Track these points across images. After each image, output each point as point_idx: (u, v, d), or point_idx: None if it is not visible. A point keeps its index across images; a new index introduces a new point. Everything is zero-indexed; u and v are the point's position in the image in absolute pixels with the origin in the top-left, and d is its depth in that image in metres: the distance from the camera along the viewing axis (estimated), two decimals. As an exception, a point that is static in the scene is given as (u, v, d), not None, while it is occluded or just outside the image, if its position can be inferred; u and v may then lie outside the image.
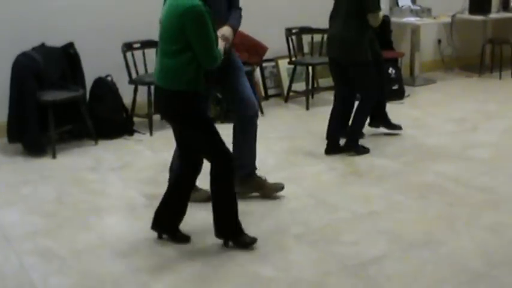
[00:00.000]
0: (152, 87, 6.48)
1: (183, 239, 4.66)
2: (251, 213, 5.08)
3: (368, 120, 6.76)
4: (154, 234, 4.69)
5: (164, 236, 4.69)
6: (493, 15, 10.19)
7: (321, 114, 7.85)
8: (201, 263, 4.38)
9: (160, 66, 4.45)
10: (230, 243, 4.56)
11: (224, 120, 7.47)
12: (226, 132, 7.07)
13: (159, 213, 4.64)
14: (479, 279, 4.17)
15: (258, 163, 5.92)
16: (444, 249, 4.54)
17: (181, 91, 4.36)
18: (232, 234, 4.57)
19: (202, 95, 4.50)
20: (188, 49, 4.28)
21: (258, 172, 5.42)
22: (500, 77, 9.98)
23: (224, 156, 4.46)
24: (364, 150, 6.45)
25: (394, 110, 7.87)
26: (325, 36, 8.34)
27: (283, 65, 8.69)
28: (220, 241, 4.57)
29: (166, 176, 5.25)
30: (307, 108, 8.10)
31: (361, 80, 6.36)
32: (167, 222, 4.67)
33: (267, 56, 8.33)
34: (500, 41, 10.35)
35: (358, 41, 6.18)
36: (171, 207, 4.65)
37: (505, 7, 10.55)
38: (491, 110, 8.11)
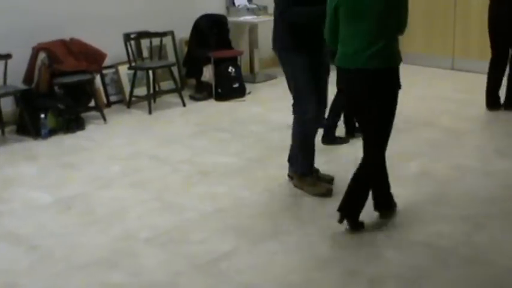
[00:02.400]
0: None
1: (360, 225, 4.78)
2: (98, 221, 5.05)
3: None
4: None
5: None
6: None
7: (164, 117, 7.90)
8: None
9: (376, 47, 4.39)
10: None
11: (67, 131, 7.37)
12: (71, 141, 7.05)
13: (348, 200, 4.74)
14: (327, 264, 4.32)
15: (102, 171, 5.92)
16: (291, 239, 4.67)
17: (393, 67, 4.51)
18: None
19: None
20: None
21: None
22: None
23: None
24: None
25: (236, 108, 8.00)
26: (163, 39, 8.40)
27: (124, 71, 8.61)
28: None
29: (9, 192, 5.12)
30: (150, 113, 8.07)
31: None
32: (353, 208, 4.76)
33: (106, 62, 8.24)
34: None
35: None
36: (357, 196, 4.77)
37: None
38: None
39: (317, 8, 4.89)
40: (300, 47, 5.21)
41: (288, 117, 6.46)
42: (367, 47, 4.40)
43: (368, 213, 4.86)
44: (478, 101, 8.00)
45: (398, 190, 5.26)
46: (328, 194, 5.36)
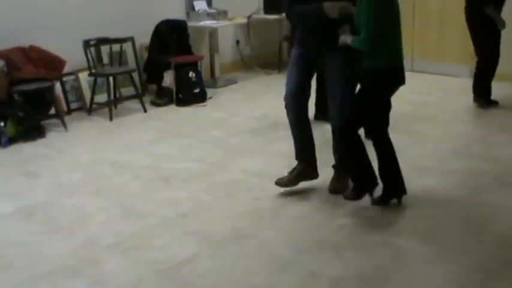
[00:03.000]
0: None
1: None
2: (60, 229, 5.04)
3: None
4: None
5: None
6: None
7: (125, 124, 7.89)
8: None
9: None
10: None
11: (27, 139, 7.33)
12: (31, 150, 7.02)
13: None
14: (289, 266, 4.34)
15: (64, 179, 5.90)
16: (253, 243, 4.69)
17: None
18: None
19: None
20: None
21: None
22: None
23: None
24: None
25: (197, 113, 8.02)
26: (124, 45, 8.40)
27: (84, 78, 8.59)
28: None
29: None
30: (111, 119, 8.06)
31: None
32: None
33: (66, 69, 8.21)
34: (295, 38, 10.73)
35: None
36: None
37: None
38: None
39: (313, 7, 5.08)
40: (296, 41, 5.46)
41: (249, 121, 6.53)
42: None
43: (332, 213, 4.91)
44: (436, 103, 8.11)
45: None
46: (282, 183, 5.48)
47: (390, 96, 5.14)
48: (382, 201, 5.21)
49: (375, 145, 5.18)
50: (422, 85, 9.30)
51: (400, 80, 5.05)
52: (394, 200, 5.22)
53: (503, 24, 7.62)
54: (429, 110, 8.02)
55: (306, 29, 5.33)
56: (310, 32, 5.28)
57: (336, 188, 5.50)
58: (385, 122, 5.18)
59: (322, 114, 7.10)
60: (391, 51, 4.93)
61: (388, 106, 5.17)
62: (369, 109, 5.01)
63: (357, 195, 5.27)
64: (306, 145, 5.52)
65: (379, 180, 5.24)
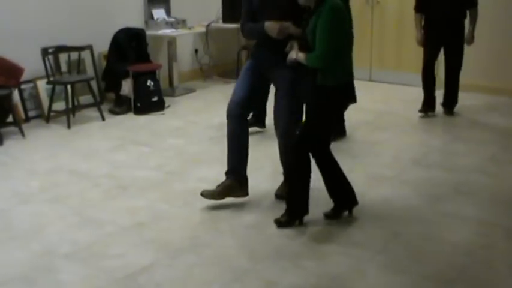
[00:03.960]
0: None
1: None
2: (17, 237, 5.01)
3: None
4: None
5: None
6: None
7: (83, 132, 7.86)
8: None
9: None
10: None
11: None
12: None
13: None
14: (245, 275, 4.37)
15: (21, 187, 5.87)
16: (210, 251, 4.71)
17: None
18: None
19: None
20: None
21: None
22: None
23: None
24: None
25: (155, 122, 8.01)
26: (82, 54, 8.36)
27: (42, 85, 8.54)
28: None
29: None
30: (69, 127, 8.01)
31: None
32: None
33: (24, 77, 8.15)
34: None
35: None
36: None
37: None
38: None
39: (260, 25, 5.13)
40: (251, 53, 5.58)
41: (207, 130, 6.54)
42: None
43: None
44: (394, 112, 8.19)
45: (316, 200, 5.36)
46: (207, 195, 5.44)
47: (341, 113, 5.31)
48: (334, 215, 5.21)
49: (319, 164, 5.12)
50: (380, 94, 9.41)
51: (351, 97, 5.17)
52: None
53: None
54: (387, 119, 8.11)
55: (258, 43, 5.41)
56: (261, 47, 5.35)
57: (282, 194, 5.51)
58: (329, 139, 5.19)
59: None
60: (344, 68, 4.95)
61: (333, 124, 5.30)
62: (319, 127, 4.99)
63: (287, 221, 5.09)
64: (239, 159, 5.47)
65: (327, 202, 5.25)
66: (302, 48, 4.87)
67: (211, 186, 5.64)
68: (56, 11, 8.67)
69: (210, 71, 10.90)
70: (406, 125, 7.84)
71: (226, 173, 5.48)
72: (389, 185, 5.93)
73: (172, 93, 9.66)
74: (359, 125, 7.73)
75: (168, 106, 8.94)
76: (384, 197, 5.66)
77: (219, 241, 4.88)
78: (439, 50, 8.10)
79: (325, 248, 4.72)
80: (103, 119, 8.39)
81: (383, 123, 7.95)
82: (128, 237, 4.97)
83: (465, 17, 7.94)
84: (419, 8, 8.01)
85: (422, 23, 8.01)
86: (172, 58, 9.94)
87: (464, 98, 8.49)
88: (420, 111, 8.19)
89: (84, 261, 4.61)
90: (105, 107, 8.90)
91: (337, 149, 6.78)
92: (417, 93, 8.39)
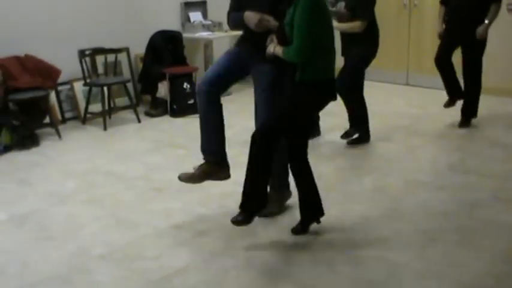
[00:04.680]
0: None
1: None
2: (52, 238, 5.03)
3: None
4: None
5: None
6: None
7: (119, 134, 7.89)
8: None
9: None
10: None
11: (22, 147, 7.34)
12: (25, 158, 7.01)
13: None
14: (280, 279, 4.33)
15: (57, 187, 5.88)
16: (245, 255, 4.69)
17: None
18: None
19: None
20: None
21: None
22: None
23: None
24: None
25: (191, 124, 8.01)
26: (119, 56, 8.39)
27: (79, 87, 8.60)
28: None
29: None
30: (105, 129, 8.06)
31: None
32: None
33: (61, 79, 8.22)
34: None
35: None
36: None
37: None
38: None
39: (241, 14, 4.96)
40: (236, 43, 5.34)
41: (243, 133, 6.51)
42: None
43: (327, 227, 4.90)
44: (431, 116, 8.11)
45: (353, 205, 5.33)
46: (184, 178, 5.27)
47: (319, 111, 5.14)
48: (302, 229, 5.00)
49: (294, 169, 4.92)
50: (417, 99, 9.32)
51: (332, 95, 4.79)
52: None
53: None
54: (424, 124, 8.02)
55: (243, 33, 5.21)
56: (245, 37, 5.16)
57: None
58: (306, 141, 4.94)
59: None
60: (324, 65, 4.68)
61: (311, 122, 5.08)
62: (292, 122, 4.76)
63: (245, 217, 4.75)
64: (212, 139, 5.29)
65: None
66: (281, 42, 4.67)
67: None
68: (93, 13, 8.72)
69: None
70: (443, 130, 7.75)
71: (202, 153, 5.31)
72: (425, 190, 5.86)
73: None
74: (396, 130, 7.67)
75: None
76: (420, 202, 5.59)
77: (254, 244, 4.86)
78: (455, 45, 7.66)
79: (361, 253, 4.67)
80: (139, 121, 8.42)
81: (420, 127, 7.87)
82: (162, 240, 4.96)
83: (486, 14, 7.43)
84: (444, 1, 7.77)
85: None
86: (208, 61, 9.94)
87: (502, 103, 8.39)
88: (445, 105, 7.95)
89: (118, 262, 4.61)
90: (141, 109, 8.93)
91: (373, 153, 6.79)
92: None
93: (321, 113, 7.66)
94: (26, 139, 7.47)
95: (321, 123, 7.55)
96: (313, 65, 4.59)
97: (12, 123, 7.46)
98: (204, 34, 9.80)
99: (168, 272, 4.44)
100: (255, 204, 4.76)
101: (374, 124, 7.48)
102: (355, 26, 6.74)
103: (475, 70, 7.62)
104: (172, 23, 9.68)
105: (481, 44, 7.48)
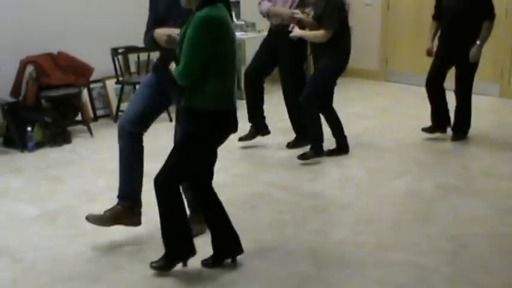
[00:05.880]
0: None
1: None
2: (83, 235, 5.06)
3: None
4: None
5: None
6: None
7: (151, 132, 7.84)
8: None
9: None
10: None
11: (54, 144, 7.40)
12: (57, 155, 7.05)
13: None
14: (309, 281, 4.32)
15: (88, 185, 5.90)
16: (275, 256, 4.68)
17: None
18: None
19: None
20: None
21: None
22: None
23: None
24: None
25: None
26: (151, 54, 8.41)
27: (111, 85, 8.64)
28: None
29: None
30: (137, 127, 8.08)
31: None
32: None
33: (94, 76, 8.26)
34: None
35: None
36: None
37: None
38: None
39: (152, 33, 4.71)
40: (153, 66, 5.07)
41: (276, 133, 6.49)
42: None
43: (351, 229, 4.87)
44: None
45: (384, 208, 5.30)
46: (89, 219, 4.87)
47: (216, 147, 4.50)
48: (213, 263, 4.52)
49: (200, 203, 4.56)
50: (452, 103, 9.23)
51: (230, 127, 4.34)
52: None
53: None
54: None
55: (161, 56, 4.91)
56: (164, 60, 4.72)
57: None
58: (210, 175, 4.60)
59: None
60: (218, 92, 4.15)
61: (214, 157, 4.59)
62: (186, 160, 4.37)
63: (165, 264, 4.46)
64: (128, 181, 5.03)
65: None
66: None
67: (278, 190, 5.60)
68: (126, 11, 8.74)
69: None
70: (476, 135, 7.67)
71: (118, 197, 4.98)
72: (457, 195, 5.81)
73: (240, 96, 9.63)
74: (427, 133, 7.60)
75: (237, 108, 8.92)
76: (451, 207, 5.54)
77: (284, 246, 4.84)
78: (449, 65, 7.23)
79: (391, 257, 4.64)
80: (171, 119, 8.43)
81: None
82: (193, 239, 4.95)
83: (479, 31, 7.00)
84: (436, 16, 7.32)
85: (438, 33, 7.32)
86: (241, 61, 9.93)
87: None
88: (424, 129, 7.46)
89: (149, 260, 4.61)
90: (172, 108, 8.91)
91: (406, 157, 6.74)
92: (491, 103, 8.24)
93: (350, 116, 7.68)
94: (57, 136, 7.52)
95: (353, 125, 7.52)
96: (202, 92, 4.13)
97: (45, 120, 7.51)
98: (237, 34, 9.78)
99: (198, 272, 4.46)
100: (183, 251, 4.46)
101: (408, 127, 7.41)
102: (319, 35, 6.52)
103: (467, 86, 7.26)
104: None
105: (475, 64, 7.10)
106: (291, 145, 7.24)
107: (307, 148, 6.77)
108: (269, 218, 5.36)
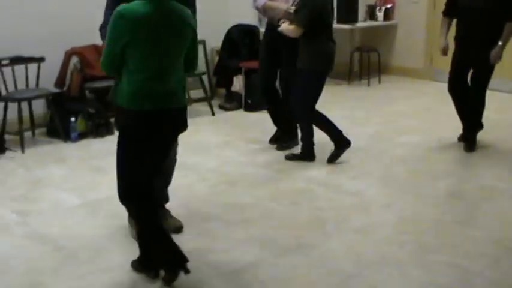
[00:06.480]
0: (22, 103, 6.53)
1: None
2: (124, 226, 5.05)
3: None
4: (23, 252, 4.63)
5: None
6: (360, 24, 10.58)
7: (193, 126, 7.80)
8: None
9: (175, 85, 3.96)
10: None
11: (96, 135, 7.44)
12: (100, 145, 7.09)
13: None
14: (350, 280, 4.28)
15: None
16: (315, 253, 4.64)
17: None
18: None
19: None
20: None
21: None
22: (368, 84, 10.37)
23: None
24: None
25: (265, 120, 7.97)
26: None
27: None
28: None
29: (38, 193, 5.16)
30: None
31: None
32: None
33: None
34: (367, 49, 10.69)
35: None
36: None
37: (371, 16, 10.93)
38: (360, 116, 8.33)
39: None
40: None
41: (318, 130, 6.46)
42: None
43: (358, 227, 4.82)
44: (510, 122, 7.94)
45: (427, 209, 5.24)
46: None
47: (144, 151, 4.08)
48: (169, 280, 4.21)
49: (137, 209, 4.22)
50: (496, 103, 9.10)
51: (158, 130, 3.99)
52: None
53: None
54: (503, 130, 7.84)
55: None
56: None
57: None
58: (150, 183, 4.20)
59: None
60: (136, 92, 3.85)
61: (162, 157, 4.25)
62: (122, 163, 4.20)
63: (141, 268, 4.32)
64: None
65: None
66: None
67: (319, 187, 5.56)
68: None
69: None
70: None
71: None
72: (503, 197, 5.72)
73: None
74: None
75: (279, 104, 8.93)
76: (497, 210, 5.46)
77: (325, 243, 4.81)
78: (470, 67, 6.90)
79: (433, 258, 4.58)
80: (213, 114, 8.45)
81: (498, 133, 7.68)
82: (233, 233, 4.95)
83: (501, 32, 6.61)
84: (447, 12, 7.00)
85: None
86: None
87: None
88: (459, 138, 7.25)
89: (188, 254, 4.54)
90: (215, 102, 8.96)
91: (450, 158, 6.66)
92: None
93: (394, 115, 7.62)
94: (100, 127, 7.57)
95: (396, 124, 7.46)
96: (121, 88, 3.91)
97: (88, 111, 7.56)
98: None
99: (238, 266, 4.44)
100: (154, 263, 4.28)
101: (454, 128, 7.33)
102: (290, 29, 6.30)
103: (483, 86, 6.97)
104: (249, 17, 9.65)
105: (493, 64, 6.77)
106: (273, 141, 7.22)
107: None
108: (310, 214, 5.32)
